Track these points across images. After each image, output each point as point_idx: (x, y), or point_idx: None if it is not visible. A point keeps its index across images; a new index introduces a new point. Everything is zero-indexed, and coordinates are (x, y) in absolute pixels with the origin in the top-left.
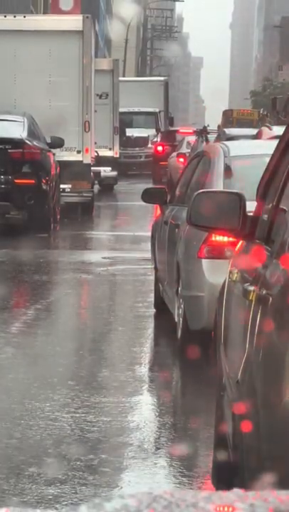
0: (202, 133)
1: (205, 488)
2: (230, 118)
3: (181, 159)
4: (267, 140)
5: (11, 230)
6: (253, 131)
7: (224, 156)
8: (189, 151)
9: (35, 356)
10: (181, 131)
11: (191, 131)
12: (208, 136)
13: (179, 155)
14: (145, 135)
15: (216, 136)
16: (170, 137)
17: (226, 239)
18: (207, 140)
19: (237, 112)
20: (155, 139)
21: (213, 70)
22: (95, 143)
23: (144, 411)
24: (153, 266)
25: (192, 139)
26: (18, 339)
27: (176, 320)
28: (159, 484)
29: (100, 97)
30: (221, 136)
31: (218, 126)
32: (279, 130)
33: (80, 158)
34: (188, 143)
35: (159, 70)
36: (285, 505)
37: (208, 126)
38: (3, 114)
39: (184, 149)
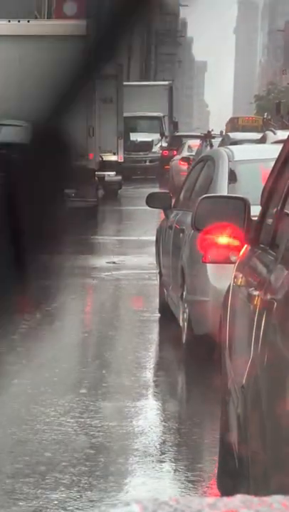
0: (206, 137)
1: (210, 493)
2: (236, 125)
3: (183, 162)
4: (271, 144)
5: None
6: (257, 136)
7: (228, 161)
8: (190, 154)
9: (40, 361)
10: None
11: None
12: (212, 140)
13: (181, 158)
14: (149, 139)
15: (220, 140)
16: (177, 142)
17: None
18: (211, 145)
19: (242, 119)
20: (159, 144)
21: (217, 75)
22: (99, 147)
23: (149, 416)
24: (157, 270)
25: (193, 142)
26: (23, 344)
27: (180, 325)
28: (164, 489)
29: (104, 101)
30: (225, 141)
31: (221, 132)
32: (283, 134)
33: (85, 163)
34: (190, 146)
35: (163, 74)
36: None
37: (212, 130)
38: (7, 119)
39: (185, 152)
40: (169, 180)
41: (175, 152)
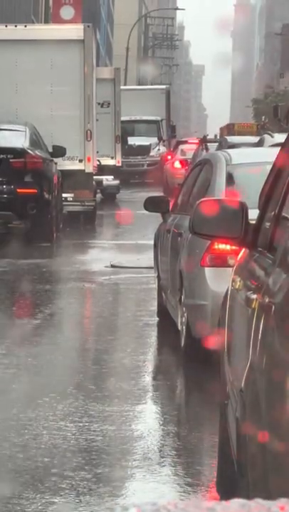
0: (202, 142)
1: (209, 497)
2: (232, 131)
3: (177, 165)
4: (269, 148)
5: (13, 239)
6: (255, 139)
7: (226, 164)
8: (183, 157)
9: (39, 366)
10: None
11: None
12: (208, 144)
13: (175, 162)
14: (147, 143)
15: (217, 144)
16: (177, 146)
17: (228, 247)
18: (207, 149)
19: (238, 125)
20: (157, 148)
21: (214, 78)
22: (97, 152)
23: (148, 420)
24: (156, 274)
25: (186, 147)
26: (21, 349)
27: (179, 328)
28: (163, 493)
29: (102, 105)
30: (223, 144)
31: (215, 136)
32: (281, 138)
33: (82, 167)
34: (183, 151)
35: (161, 78)
36: None
37: (207, 135)
38: (5, 123)
39: (179, 156)
40: (163, 183)
41: (170, 156)
